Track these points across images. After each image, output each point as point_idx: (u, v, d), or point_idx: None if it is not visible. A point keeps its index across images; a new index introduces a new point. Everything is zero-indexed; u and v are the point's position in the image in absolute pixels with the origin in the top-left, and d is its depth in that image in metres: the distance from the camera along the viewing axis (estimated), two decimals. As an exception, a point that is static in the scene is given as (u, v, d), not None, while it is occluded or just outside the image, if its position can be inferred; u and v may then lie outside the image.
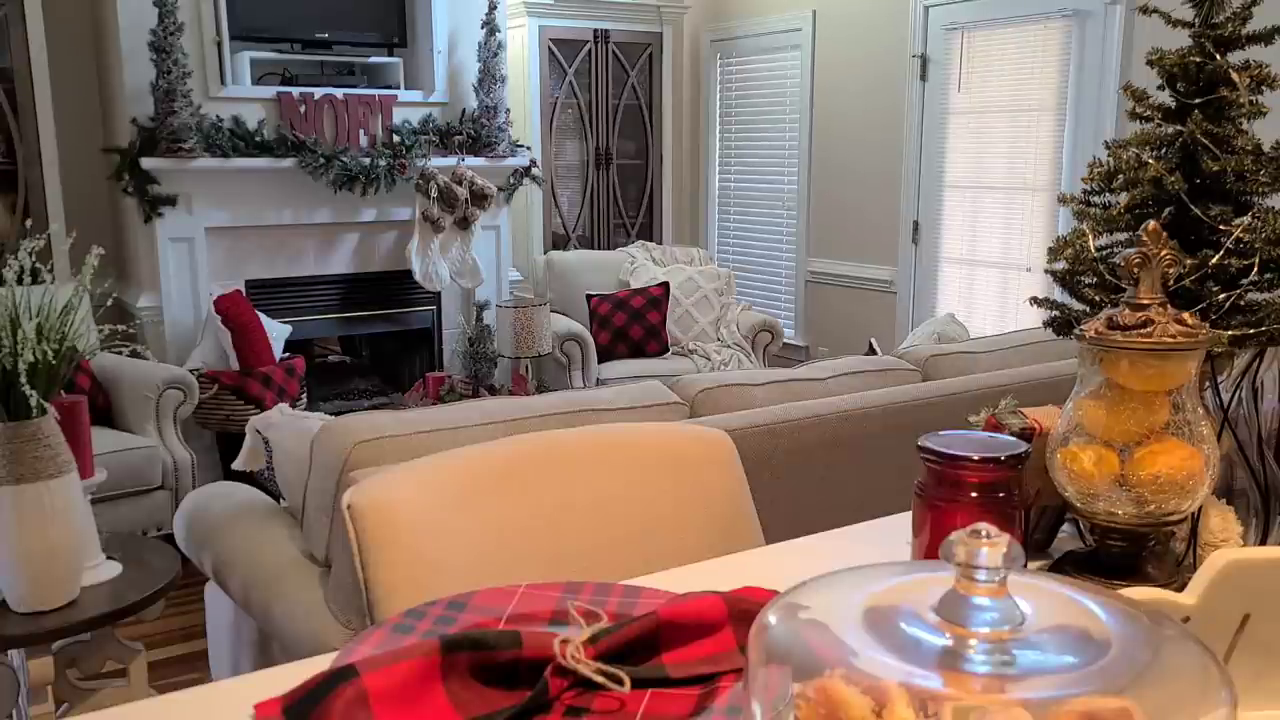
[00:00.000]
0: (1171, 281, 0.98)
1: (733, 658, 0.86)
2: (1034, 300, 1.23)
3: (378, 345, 5.68)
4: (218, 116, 4.52)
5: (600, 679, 0.79)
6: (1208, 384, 1.06)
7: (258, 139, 4.59)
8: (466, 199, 4.97)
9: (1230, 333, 1.03)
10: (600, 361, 5.20)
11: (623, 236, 6.44)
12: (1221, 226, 1.07)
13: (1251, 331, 1.03)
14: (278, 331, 4.54)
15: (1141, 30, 4.30)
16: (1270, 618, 0.81)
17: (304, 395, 4.46)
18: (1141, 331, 0.93)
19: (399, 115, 4.96)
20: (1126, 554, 1.01)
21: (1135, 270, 0.96)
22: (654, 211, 6.55)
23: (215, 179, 4.54)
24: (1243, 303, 1.05)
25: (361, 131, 4.83)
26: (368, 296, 5.13)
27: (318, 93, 4.73)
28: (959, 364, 2.85)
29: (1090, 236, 1.13)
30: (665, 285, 5.38)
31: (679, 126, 6.58)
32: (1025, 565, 0.59)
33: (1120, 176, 1.14)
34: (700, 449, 1.32)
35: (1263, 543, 1.06)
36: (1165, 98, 1.15)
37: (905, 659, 0.50)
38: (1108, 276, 1.10)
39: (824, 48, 5.78)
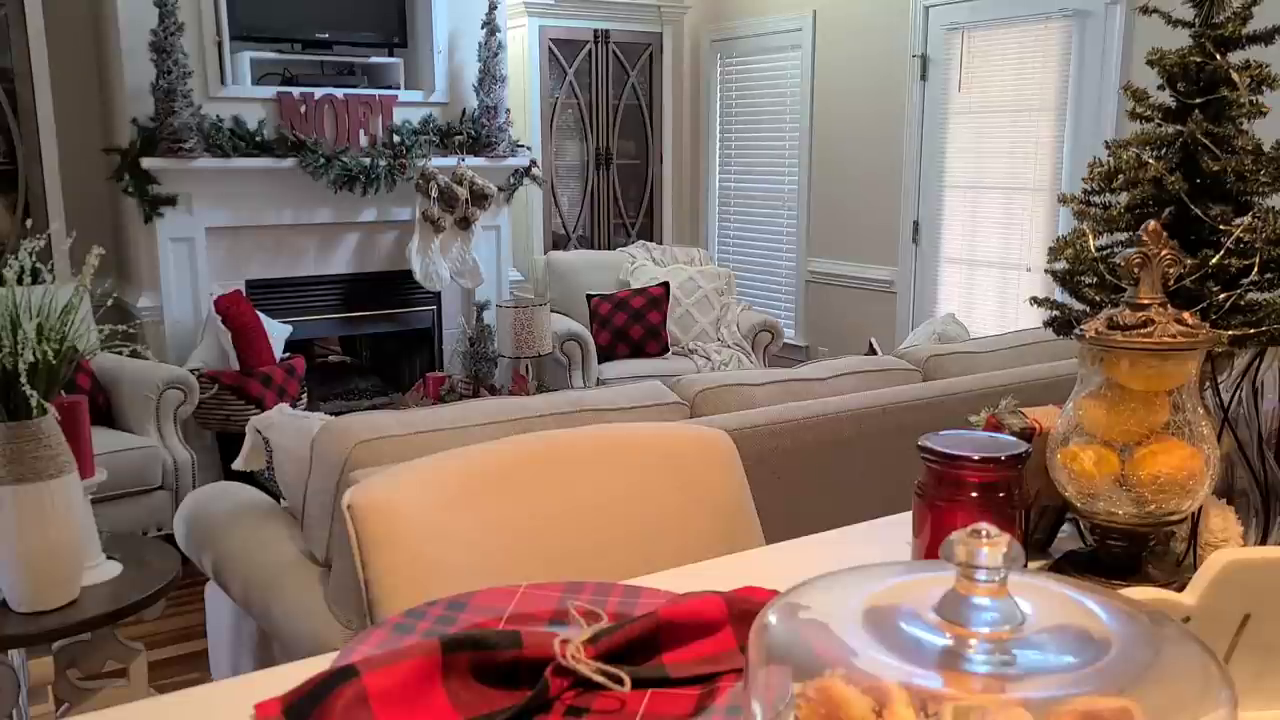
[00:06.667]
0: (1171, 281, 0.98)
1: (733, 658, 0.86)
2: (1034, 300, 1.23)
3: (378, 345, 5.68)
4: (218, 116, 4.52)
5: (600, 679, 0.79)
6: (1208, 384, 1.06)
7: (258, 139, 4.59)
8: (467, 199, 4.97)
9: (1230, 333, 1.03)
10: (600, 361, 5.20)
11: (623, 236, 6.44)
12: (1222, 226, 1.07)
13: (1251, 331, 1.03)
14: (278, 331, 4.54)
15: (1141, 30, 4.30)
16: (1270, 618, 0.81)
17: (304, 395, 4.46)
18: (1141, 331, 0.93)
19: (399, 115, 4.95)
20: (1127, 554, 1.01)
21: (1135, 270, 0.96)
22: (654, 211, 6.55)
23: (215, 179, 4.54)
24: (1243, 303, 1.05)
25: (361, 131, 4.83)
26: (368, 296, 5.12)
27: (318, 93, 4.73)
28: (959, 364, 2.85)
29: (1090, 236, 1.13)
30: (665, 285, 5.38)
31: (679, 126, 6.58)
32: (1025, 565, 0.59)
33: (1120, 176, 1.14)
34: (700, 449, 1.32)
35: (1263, 543, 1.06)
36: (1165, 98, 1.15)
37: (905, 659, 0.50)
38: (1108, 276, 1.10)
39: (824, 48, 5.78)
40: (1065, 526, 1.18)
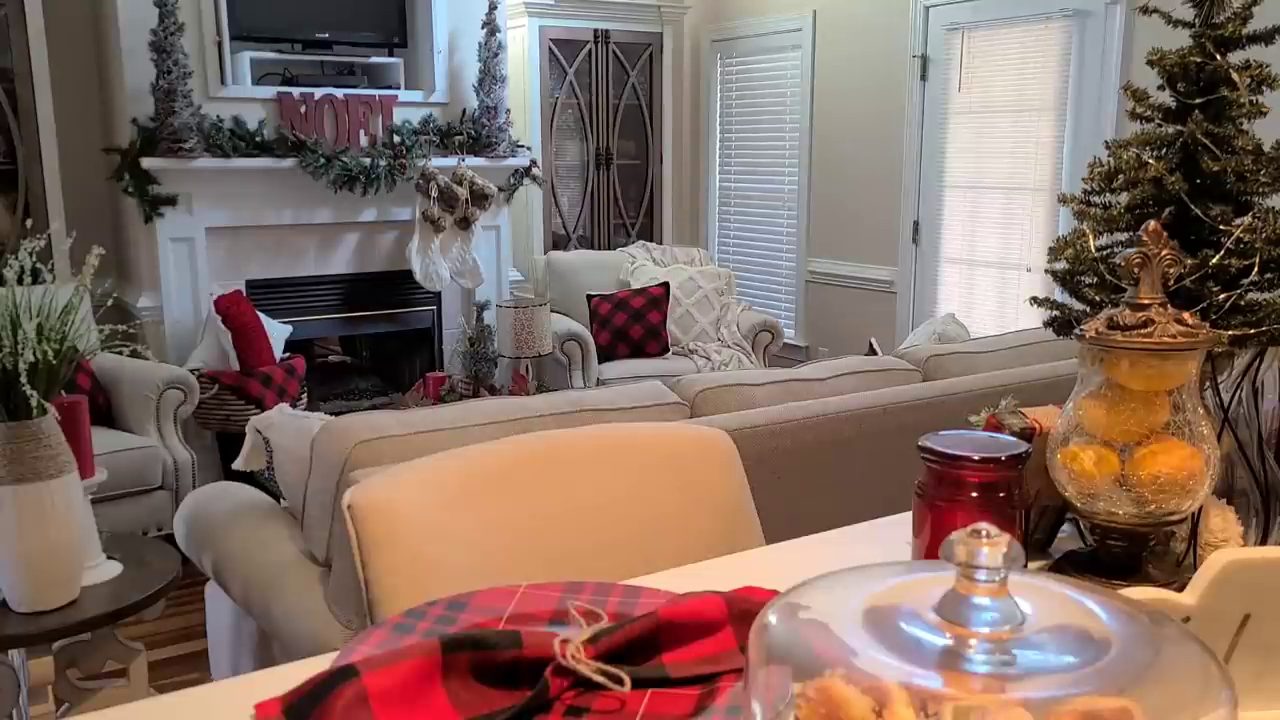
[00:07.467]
0: (1172, 281, 0.98)
1: (733, 658, 0.86)
2: (1034, 300, 1.23)
3: (378, 345, 5.68)
4: (218, 116, 4.52)
5: (600, 679, 0.79)
6: (1208, 384, 1.06)
7: (258, 139, 4.58)
8: (467, 199, 4.97)
9: (1230, 333, 1.03)
10: (600, 361, 5.20)
11: (623, 236, 6.44)
12: (1222, 226, 1.07)
13: (1251, 331, 1.03)
14: (278, 331, 4.54)
15: (1141, 30, 4.30)
16: (1270, 618, 0.81)
17: (304, 395, 4.46)
18: (1142, 331, 0.93)
19: (399, 115, 4.95)
20: (1127, 554, 1.01)
21: (1135, 270, 0.96)
22: (654, 211, 6.55)
23: (215, 179, 4.54)
24: (1243, 303, 1.05)
25: (362, 131, 4.83)
26: (368, 296, 5.12)
27: (318, 93, 4.73)
28: (959, 364, 2.85)
29: (1090, 236, 1.13)
30: (665, 285, 5.38)
31: (679, 126, 6.58)
32: (1025, 565, 0.59)
33: (1120, 176, 1.14)
34: (700, 449, 1.32)
35: (1263, 543, 1.06)
36: (1165, 98, 1.15)
37: (905, 659, 0.50)
38: (1108, 276, 1.10)
39: (824, 48, 5.78)
40: (1065, 526, 1.18)
